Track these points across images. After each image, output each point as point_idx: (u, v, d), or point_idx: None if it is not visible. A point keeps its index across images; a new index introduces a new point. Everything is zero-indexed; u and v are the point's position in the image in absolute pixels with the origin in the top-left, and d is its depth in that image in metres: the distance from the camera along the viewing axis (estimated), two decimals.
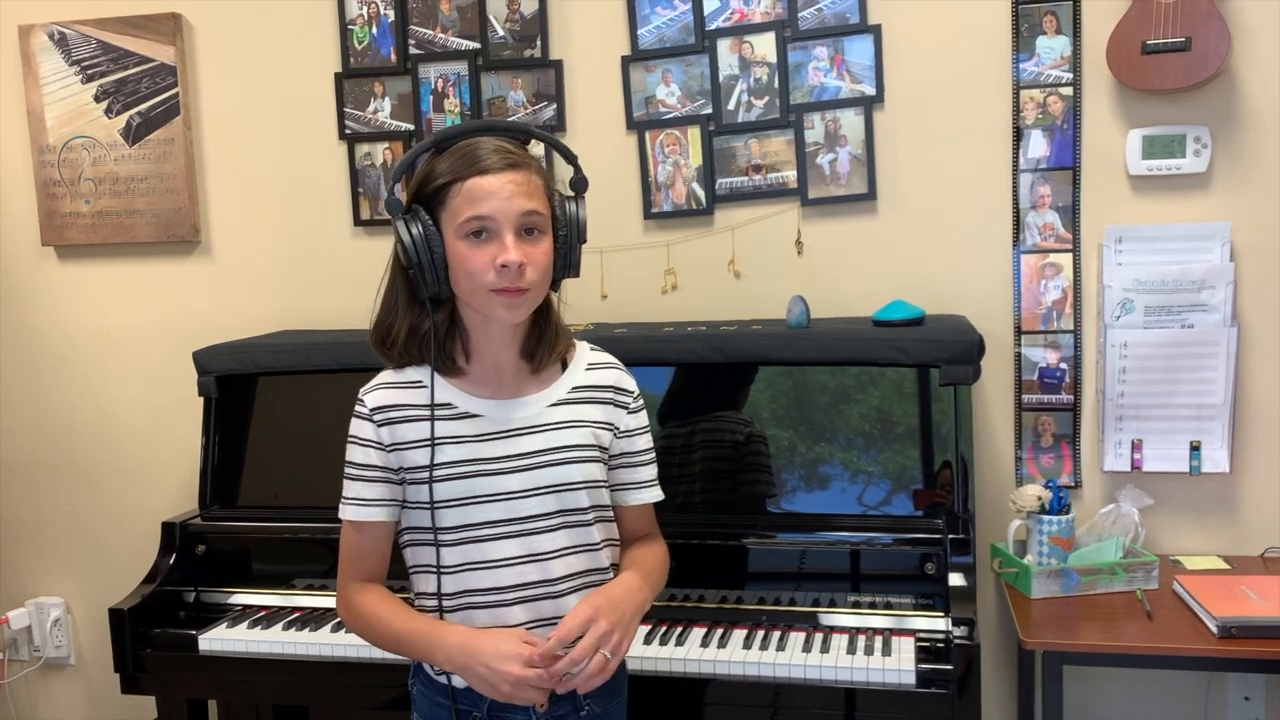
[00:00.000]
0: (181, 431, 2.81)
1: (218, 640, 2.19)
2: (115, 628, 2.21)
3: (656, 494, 1.67)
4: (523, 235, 1.44)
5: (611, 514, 1.61)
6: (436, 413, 1.50)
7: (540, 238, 1.47)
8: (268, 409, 2.47)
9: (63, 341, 2.97)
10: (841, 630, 2.03)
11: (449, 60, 2.65)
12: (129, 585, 2.34)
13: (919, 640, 1.97)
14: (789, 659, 1.93)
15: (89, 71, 2.82)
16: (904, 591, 2.05)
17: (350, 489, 1.53)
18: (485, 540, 1.50)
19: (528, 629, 1.49)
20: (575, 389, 1.57)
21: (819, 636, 2.01)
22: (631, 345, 2.24)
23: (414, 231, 1.44)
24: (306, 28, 2.72)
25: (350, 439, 1.53)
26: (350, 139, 2.72)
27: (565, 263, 1.52)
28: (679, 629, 2.06)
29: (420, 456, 1.49)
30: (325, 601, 2.28)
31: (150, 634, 2.23)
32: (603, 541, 1.57)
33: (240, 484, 2.46)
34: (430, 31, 2.65)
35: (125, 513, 2.95)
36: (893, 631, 2.01)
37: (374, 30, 2.68)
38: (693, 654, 1.97)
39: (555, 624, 1.49)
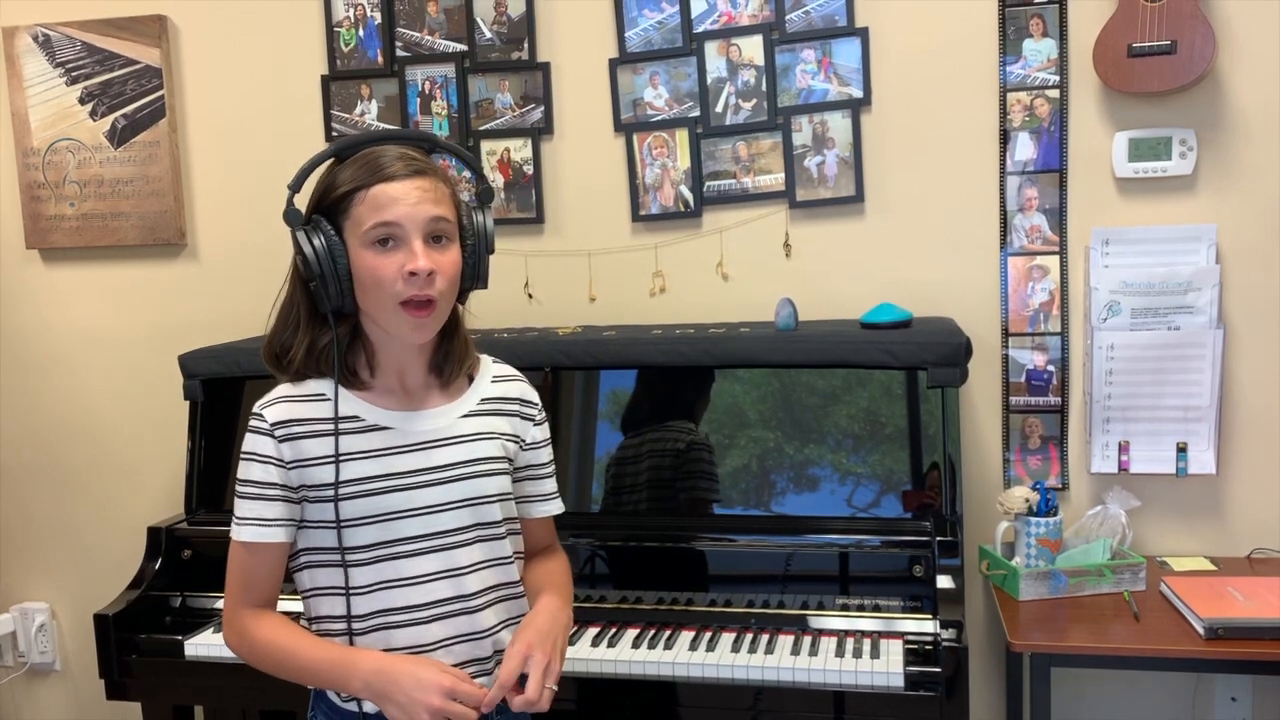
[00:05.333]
0: (167, 435, 2.80)
1: (204, 646, 2.17)
2: (100, 633, 2.20)
3: (559, 506, 1.64)
4: (430, 243, 1.39)
5: (519, 527, 1.57)
6: (342, 426, 1.43)
7: (448, 246, 1.42)
8: None
9: (47, 345, 2.95)
10: (830, 633, 2.03)
11: (436, 62, 2.64)
12: (114, 590, 2.33)
13: (907, 643, 1.97)
14: (778, 662, 1.93)
15: (74, 74, 2.81)
16: (892, 594, 2.05)
17: (246, 508, 1.43)
18: (402, 557, 1.44)
19: (445, 646, 1.46)
20: (484, 400, 1.54)
21: (807, 639, 2.01)
22: (620, 348, 2.24)
23: (315, 243, 1.39)
24: (293, 30, 2.71)
25: (245, 455, 1.44)
26: None
27: (473, 273, 1.47)
28: (668, 633, 2.05)
29: (325, 473, 1.42)
30: None
31: (136, 639, 2.21)
32: (513, 555, 1.54)
33: (226, 488, 2.44)
34: (417, 34, 2.64)
35: (110, 517, 2.93)
36: (881, 634, 2.01)
37: (361, 32, 2.67)
38: (681, 658, 1.96)
39: (472, 640, 1.47)
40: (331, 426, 1.43)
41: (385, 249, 1.38)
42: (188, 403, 2.46)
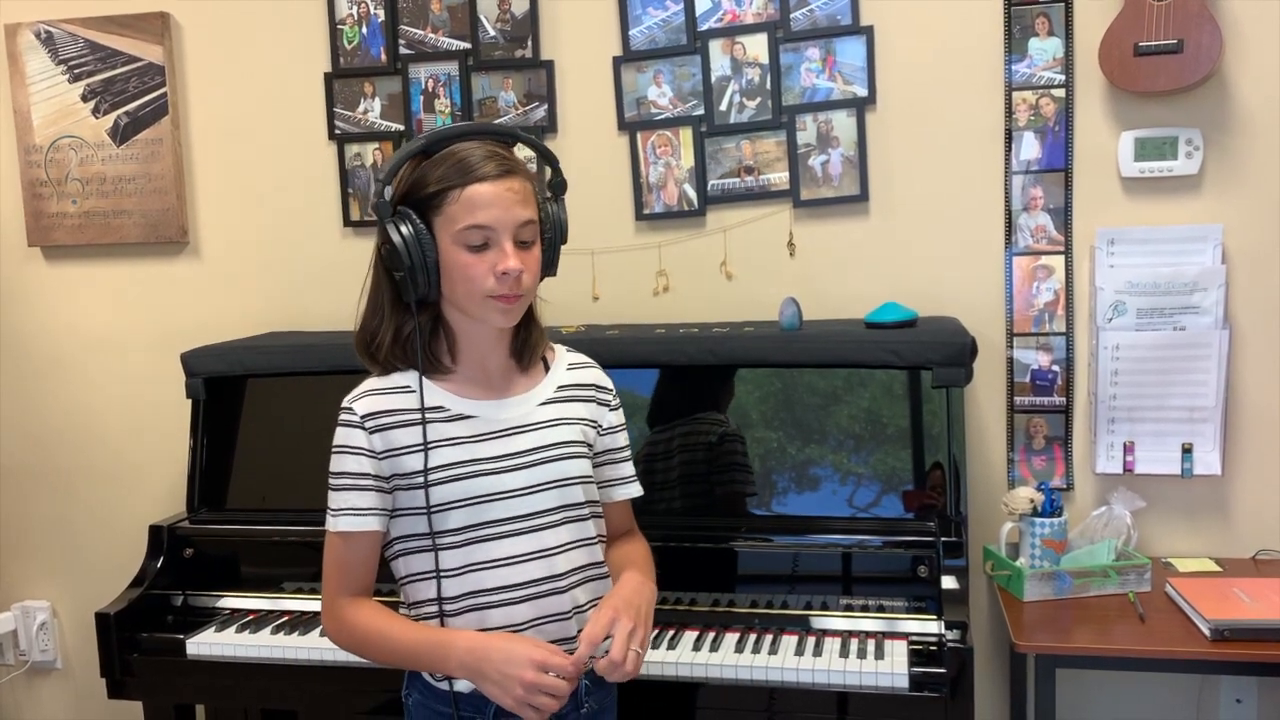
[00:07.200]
0: (169, 434, 2.79)
1: (205, 644, 2.17)
2: (102, 632, 2.19)
3: (637, 489, 1.69)
4: (518, 243, 1.46)
5: (600, 509, 1.63)
6: (429, 416, 1.49)
7: (533, 244, 1.50)
8: (256, 411, 2.45)
9: (49, 343, 2.94)
10: (834, 633, 2.02)
11: (439, 60, 2.63)
12: (116, 589, 2.32)
13: (912, 643, 1.97)
14: (781, 662, 1.92)
15: (76, 71, 2.80)
16: (896, 594, 2.05)
17: (341, 499, 1.49)
18: (492, 539, 1.49)
19: (535, 626, 1.50)
20: (561, 388, 1.60)
21: (811, 640, 2.00)
22: (623, 347, 2.23)
23: (405, 232, 1.44)
24: (296, 27, 2.70)
25: (338, 448, 1.50)
26: (340, 139, 2.71)
27: (548, 262, 1.55)
28: (671, 632, 2.05)
29: (416, 461, 1.48)
30: (314, 605, 2.26)
31: (137, 638, 2.21)
32: (597, 536, 1.59)
33: (228, 487, 2.44)
34: (421, 31, 2.64)
35: (112, 516, 2.93)
36: (885, 635, 2.01)
37: (364, 30, 2.66)
38: (685, 657, 1.96)
39: (560, 620, 1.52)
40: (418, 416, 1.49)
41: (477, 248, 1.44)
42: (190, 401, 2.46)
